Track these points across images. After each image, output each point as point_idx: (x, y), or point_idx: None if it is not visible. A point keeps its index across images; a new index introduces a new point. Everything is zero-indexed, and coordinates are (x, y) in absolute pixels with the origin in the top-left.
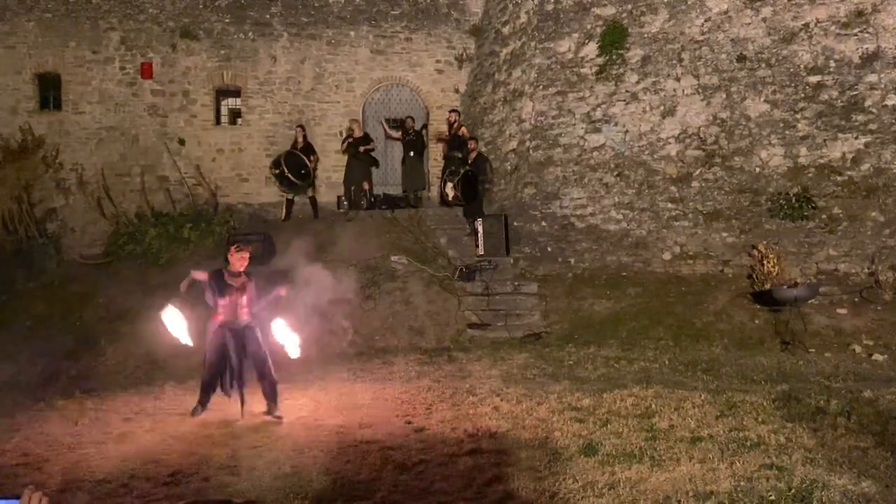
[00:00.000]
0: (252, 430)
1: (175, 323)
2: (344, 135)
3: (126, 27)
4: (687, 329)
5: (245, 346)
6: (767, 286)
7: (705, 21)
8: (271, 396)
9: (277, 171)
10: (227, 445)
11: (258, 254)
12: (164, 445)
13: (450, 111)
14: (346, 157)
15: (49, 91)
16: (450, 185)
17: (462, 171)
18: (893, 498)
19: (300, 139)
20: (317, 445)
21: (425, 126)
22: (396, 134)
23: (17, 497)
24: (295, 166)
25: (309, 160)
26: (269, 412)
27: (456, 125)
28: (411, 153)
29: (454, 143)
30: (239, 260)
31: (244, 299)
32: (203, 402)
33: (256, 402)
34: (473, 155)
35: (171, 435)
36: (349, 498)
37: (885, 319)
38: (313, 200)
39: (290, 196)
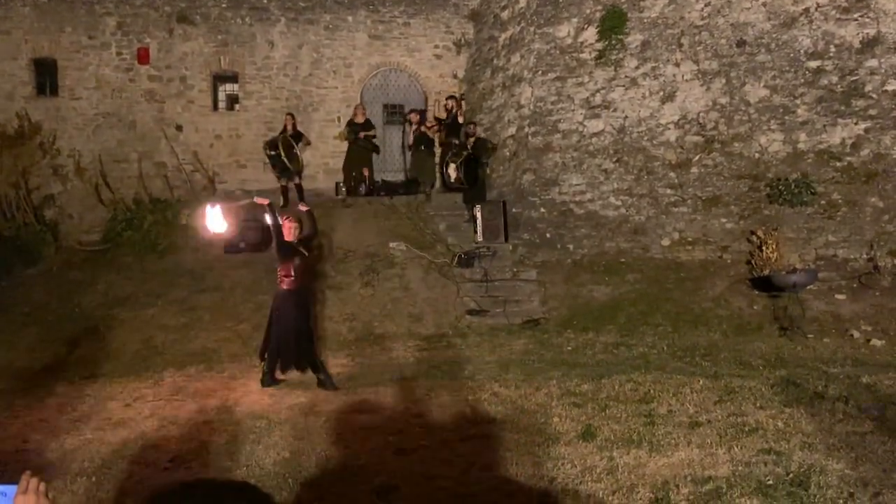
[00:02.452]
0: (251, 416)
1: (215, 219)
2: (343, 121)
3: (122, 12)
4: (685, 315)
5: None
6: (766, 272)
7: (705, 6)
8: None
9: (273, 153)
10: (226, 431)
11: (256, 240)
12: (163, 431)
13: (447, 97)
14: (345, 143)
15: (45, 77)
16: (452, 165)
17: (465, 153)
18: (891, 482)
19: (290, 126)
20: (315, 431)
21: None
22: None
23: (16, 483)
24: (288, 150)
25: (298, 146)
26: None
27: (454, 111)
28: (422, 146)
29: (452, 129)
30: (290, 229)
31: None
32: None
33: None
34: (473, 140)
35: (171, 420)
36: (348, 483)
37: (884, 305)
38: (299, 187)
39: (283, 182)
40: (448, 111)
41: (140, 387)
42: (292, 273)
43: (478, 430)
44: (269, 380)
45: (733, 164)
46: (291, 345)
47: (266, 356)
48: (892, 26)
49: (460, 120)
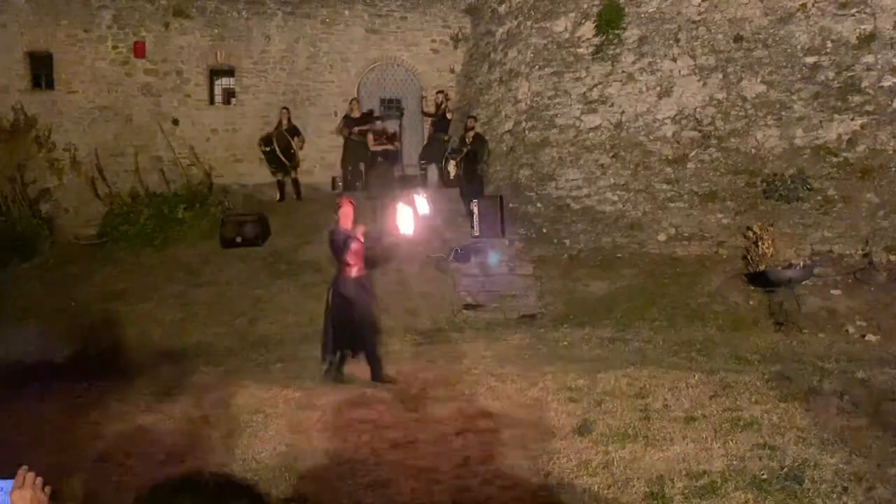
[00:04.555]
0: (247, 410)
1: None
2: (339, 115)
3: (118, 5)
4: (681, 310)
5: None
6: (762, 267)
7: (702, 1)
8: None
9: (268, 150)
10: (223, 425)
11: (252, 235)
12: (159, 425)
13: (437, 92)
14: (341, 138)
15: (41, 70)
16: (452, 163)
17: (465, 149)
18: (885, 476)
19: (285, 121)
20: (312, 425)
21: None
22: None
23: (12, 478)
24: (283, 146)
25: (294, 141)
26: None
27: (443, 107)
28: (379, 158)
29: (440, 124)
30: (347, 213)
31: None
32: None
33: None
34: (472, 135)
35: (167, 415)
36: (344, 476)
37: (879, 300)
38: (295, 182)
39: (279, 177)
40: (437, 106)
41: (136, 380)
42: (349, 260)
43: (474, 425)
44: (331, 374)
45: (730, 160)
46: (353, 333)
47: (326, 350)
48: (889, 22)
49: (448, 116)
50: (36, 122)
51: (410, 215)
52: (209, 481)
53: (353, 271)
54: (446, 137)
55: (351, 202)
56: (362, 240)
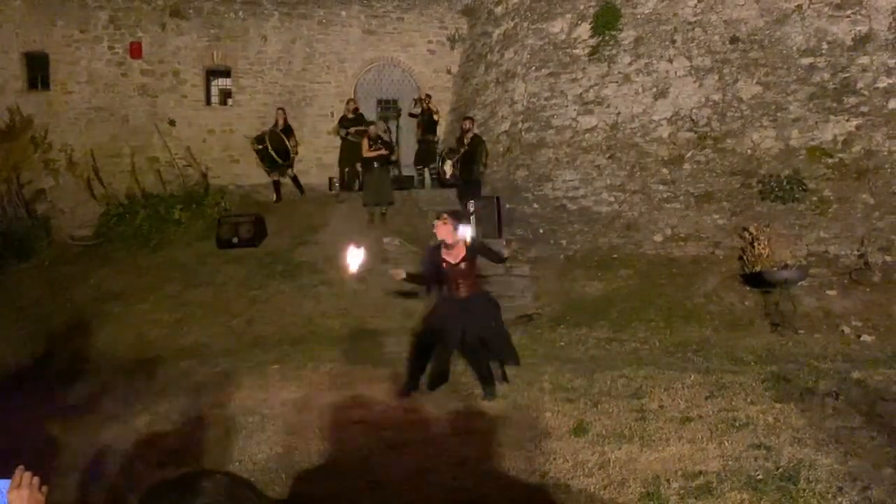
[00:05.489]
0: (244, 411)
1: (355, 257)
2: (336, 116)
3: (114, 6)
4: (678, 310)
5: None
6: (758, 268)
7: (698, 2)
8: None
9: (260, 147)
10: (220, 426)
11: (249, 235)
12: (155, 427)
13: (423, 95)
14: (338, 138)
15: (37, 70)
16: (449, 162)
17: (462, 149)
18: (880, 477)
19: (280, 121)
20: (309, 426)
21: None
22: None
23: (9, 478)
24: (276, 144)
25: (289, 141)
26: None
27: (428, 111)
28: (374, 164)
29: (428, 126)
30: (445, 230)
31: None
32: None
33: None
34: (469, 136)
35: (163, 416)
36: (341, 478)
37: (874, 301)
38: (295, 180)
39: (274, 177)
40: (423, 109)
41: (132, 382)
42: (457, 280)
43: (470, 425)
44: (407, 387)
45: (725, 161)
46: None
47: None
48: (884, 23)
49: (436, 118)
50: (32, 122)
51: (358, 256)
52: (221, 474)
53: (463, 290)
54: (434, 138)
55: (448, 219)
56: (451, 260)
